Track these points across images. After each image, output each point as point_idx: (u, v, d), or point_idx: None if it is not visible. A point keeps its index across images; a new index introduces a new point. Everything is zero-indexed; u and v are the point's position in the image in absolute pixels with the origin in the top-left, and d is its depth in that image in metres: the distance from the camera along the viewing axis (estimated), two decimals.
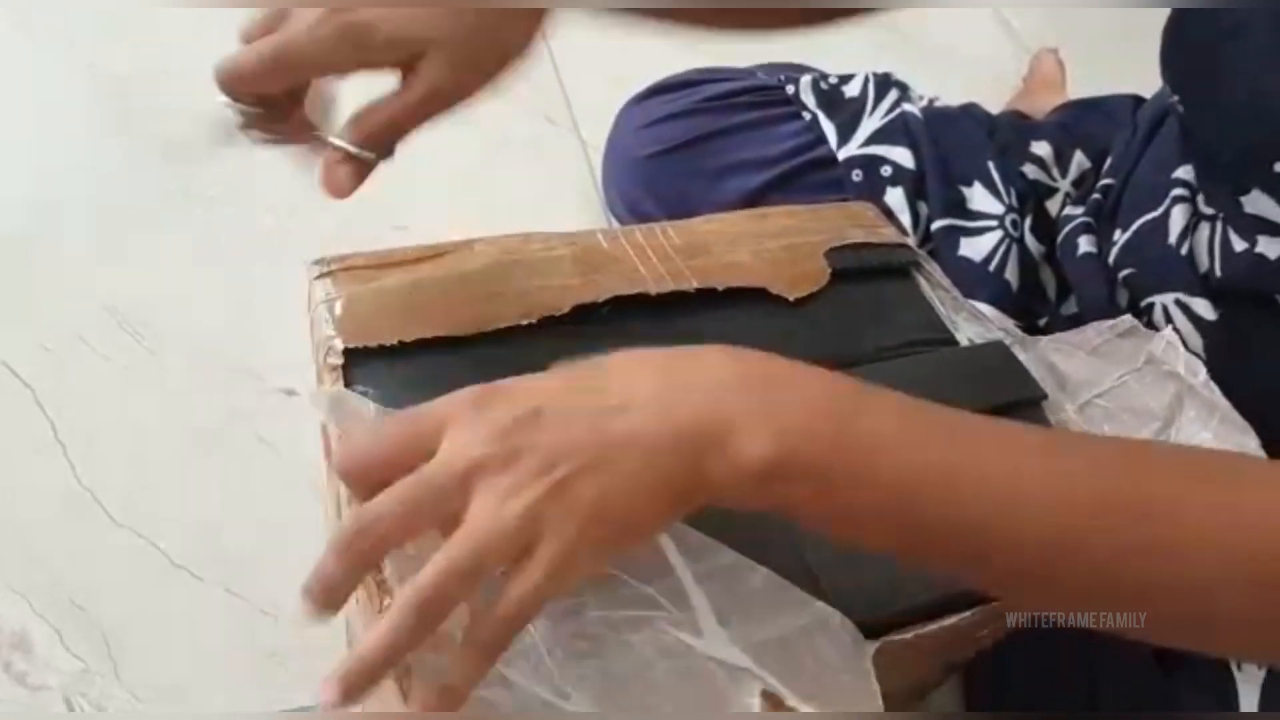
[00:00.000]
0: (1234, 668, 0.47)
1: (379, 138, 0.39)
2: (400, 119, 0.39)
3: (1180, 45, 0.50)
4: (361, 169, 0.39)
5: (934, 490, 0.31)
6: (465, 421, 0.30)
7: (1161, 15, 0.52)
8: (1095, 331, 0.51)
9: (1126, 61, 0.61)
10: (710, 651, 0.34)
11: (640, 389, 0.31)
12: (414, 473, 0.30)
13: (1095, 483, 0.31)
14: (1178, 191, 0.55)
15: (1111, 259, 0.59)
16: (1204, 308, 0.52)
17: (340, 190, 0.39)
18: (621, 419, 0.30)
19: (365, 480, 0.31)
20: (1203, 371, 0.46)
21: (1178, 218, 0.54)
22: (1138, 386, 0.47)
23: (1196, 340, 0.53)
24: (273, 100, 0.39)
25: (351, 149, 0.38)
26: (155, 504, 0.64)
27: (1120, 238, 0.59)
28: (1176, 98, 0.52)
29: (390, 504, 0.29)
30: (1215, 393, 0.45)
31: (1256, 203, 0.48)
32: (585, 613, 0.34)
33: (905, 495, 0.31)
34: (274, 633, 0.60)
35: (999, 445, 0.32)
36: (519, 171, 0.92)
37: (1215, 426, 0.43)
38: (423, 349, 0.43)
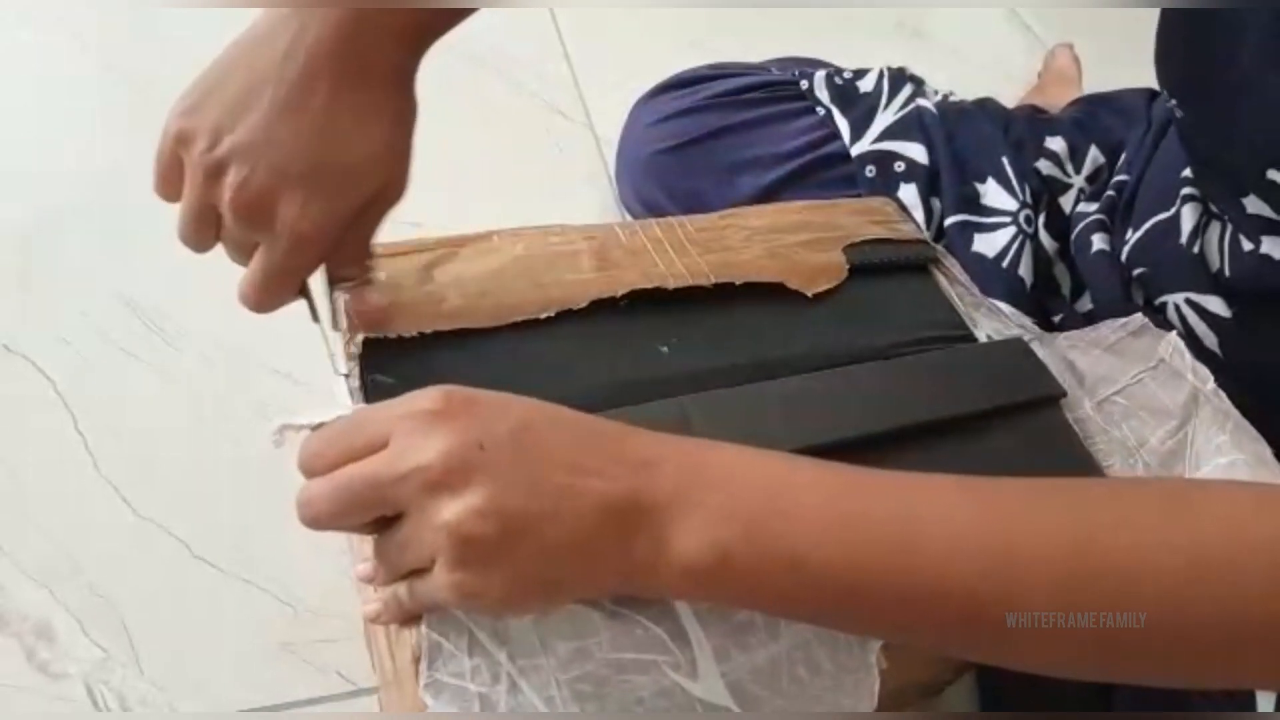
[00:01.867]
0: None
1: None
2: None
3: (1175, 48, 0.50)
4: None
5: (877, 567, 0.32)
6: (417, 434, 0.31)
7: None
8: (1109, 329, 0.50)
9: (1142, 56, 0.60)
10: (698, 694, 0.35)
11: (589, 457, 0.32)
12: (357, 464, 0.31)
13: (1030, 526, 0.32)
14: (1187, 190, 0.54)
15: (1124, 257, 0.59)
16: (1217, 305, 0.52)
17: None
18: (561, 476, 0.31)
19: (314, 473, 0.33)
20: (1211, 380, 0.45)
21: (1188, 217, 0.54)
22: (1154, 385, 0.47)
23: (1211, 338, 0.53)
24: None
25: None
26: (174, 495, 0.65)
27: (1132, 237, 0.58)
28: (1174, 101, 0.51)
29: (325, 487, 0.32)
30: (1225, 401, 0.45)
31: (1257, 203, 0.48)
32: (595, 655, 0.35)
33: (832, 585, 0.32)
34: (292, 623, 0.60)
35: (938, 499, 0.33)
36: (533, 166, 0.92)
37: (1231, 429, 0.43)
38: (441, 340, 0.43)
